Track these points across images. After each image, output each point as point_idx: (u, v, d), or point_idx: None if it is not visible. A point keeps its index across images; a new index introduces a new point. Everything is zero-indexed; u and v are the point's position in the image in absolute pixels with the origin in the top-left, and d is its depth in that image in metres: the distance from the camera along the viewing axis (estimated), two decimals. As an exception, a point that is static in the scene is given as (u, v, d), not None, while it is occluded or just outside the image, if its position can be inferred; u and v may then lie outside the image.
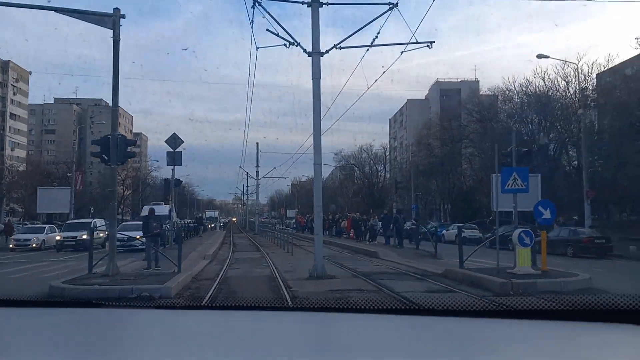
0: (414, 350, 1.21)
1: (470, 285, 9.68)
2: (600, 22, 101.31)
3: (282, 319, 1.65)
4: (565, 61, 34.67)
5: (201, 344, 1.22)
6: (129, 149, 11.03)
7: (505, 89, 44.29)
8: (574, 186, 32.58)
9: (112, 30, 10.39)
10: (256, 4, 11.17)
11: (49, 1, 12.11)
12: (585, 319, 1.36)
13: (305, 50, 11.36)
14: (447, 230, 29.58)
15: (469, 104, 51.37)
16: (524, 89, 41.51)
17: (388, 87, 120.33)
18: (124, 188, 71.92)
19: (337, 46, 11.62)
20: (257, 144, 45.96)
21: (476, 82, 73.44)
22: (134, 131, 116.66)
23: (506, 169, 11.00)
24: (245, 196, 65.97)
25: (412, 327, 1.48)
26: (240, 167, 64.07)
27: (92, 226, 21.63)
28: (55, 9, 10.24)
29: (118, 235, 15.44)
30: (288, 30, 11.21)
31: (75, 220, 26.82)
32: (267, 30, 11.31)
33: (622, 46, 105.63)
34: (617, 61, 37.99)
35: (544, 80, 39.14)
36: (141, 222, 21.42)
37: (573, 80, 36.43)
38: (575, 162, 38.48)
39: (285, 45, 11.33)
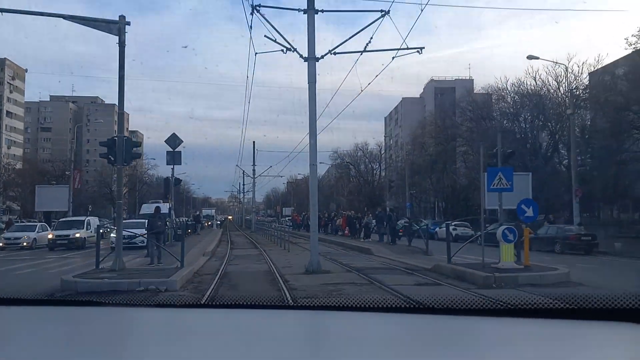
0: (413, 348, 1.23)
1: (457, 279, 10.31)
2: (598, 19, 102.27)
3: (283, 318, 1.67)
4: (556, 62, 35.37)
5: (201, 342, 1.24)
6: (134, 149, 11.54)
7: (498, 88, 45.02)
8: (565, 184, 33.26)
9: (117, 36, 10.91)
10: (255, 11, 11.73)
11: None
12: (586, 317, 1.36)
13: (301, 56, 11.94)
14: (439, 228, 30.16)
15: (463, 103, 52.01)
16: (515, 88, 42.23)
17: (385, 85, 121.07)
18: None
19: (332, 52, 12.20)
20: (254, 142, 46.46)
21: (470, 81, 74.22)
22: (130, 129, 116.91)
23: (492, 169, 11.62)
24: (242, 194, 66.61)
25: (412, 325, 1.49)
26: (237, 165, 64.80)
27: (98, 224, 22.08)
28: (65, 17, 10.75)
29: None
30: (285, 36, 11.78)
31: (68, 218, 26.46)
32: (265, 36, 11.89)
33: (615, 45, 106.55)
34: (607, 61, 38.78)
35: (535, 80, 39.89)
36: (140, 220, 22.06)
37: (564, 81, 37.21)
38: (567, 161, 39.21)
39: (282, 50, 11.90)
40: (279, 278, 10.61)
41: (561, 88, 38.55)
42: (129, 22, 10.93)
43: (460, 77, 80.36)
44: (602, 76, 37.49)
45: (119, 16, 10.89)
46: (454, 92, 69.23)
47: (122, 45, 10.83)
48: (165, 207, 23.52)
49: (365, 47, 12.66)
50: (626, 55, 34.83)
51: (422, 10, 11.30)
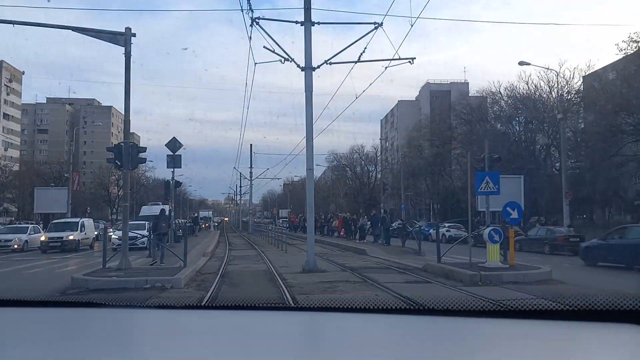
0: (413, 350, 1.23)
1: (446, 277, 10.92)
2: (591, 24, 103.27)
3: (282, 319, 1.67)
4: (547, 68, 36.10)
5: (201, 344, 1.24)
6: (140, 155, 12.10)
7: (492, 92, 45.76)
8: (557, 187, 34.01)
9: (123, 47, 11.47)
10: (254, 23, 12.33)
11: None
12: (585, 319, 1.37)
13: (298, 66, 12.54)
14: (433, 230, 30.81)
15: (458, 106, 52.71)
16: (508, 92, 42.98)
17: (382, 87, 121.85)
18: (118, 188, 72.67)
19: (328, 62, 12.82)
20: (251, 145, 47.04)
21: (465, 84, 75.00)
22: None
23: (479, 174, 12.25)
24: (239, 196, 67.13)
25: (412, 326, 1.49)
26: (234, 168, 65.39)
27: (103, 226, 22.25)
28: (73, 29, 11.31)
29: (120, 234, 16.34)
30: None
31: (62, 220, 25.57)
32: (264, 47, 12.49)
33: (607, 51, 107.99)
34: (598, 66, 39.61)
35: (527, 85, 40.65)
36: (141, 222, 22.59)
37: (555, 85, 38.00)
38: (559, 164, 39.96)
39: (280, 61, 12.50)
40: (277, 277, 11.17)
41: (553, 93, 39.34)
42: (135, 33, 11.49)
43: (455, 81, 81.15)
44: (594, 81, 38.30)
45: (125, 28, 11.45)
46: (449, 96, 69.99)
47: (128, 56, 11.39)
48: (165, 209, 24.11)
49: (360, 57, 13.28)
50: (616, 61, 35.71)
51: (412, 26, 11.90)
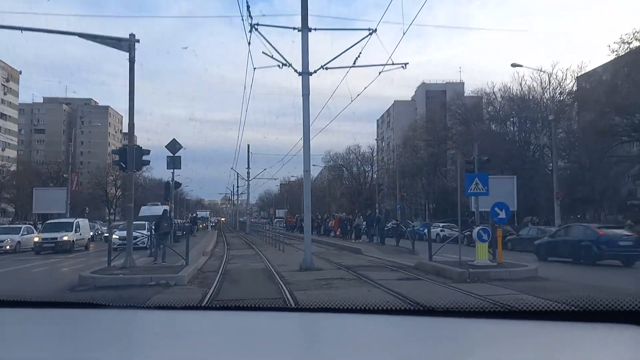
0: (413, 350, 1.23)
1: (436, 274, 11.43)
2: (585, 26, 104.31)
3: (282, 320, 1.68)
4: (540, 70, 36.70)
5: (201, 344, 1.25)
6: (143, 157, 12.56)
7: (486, 93, 46.34)
8: (550, 187, 34.57)
9: (127, 53, 11.93)
10: (254, 29, 12.81)
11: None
12: (585, 319, 1.38)
13: (296, 70, 13.03)
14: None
15: (453, 106, 53.25)
16: (502, 93, 43.56)
17: (379, 87, 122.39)
18: (116, 189, 72.93)
19: (324, 67, 13.32)
20: (248, 146, 47.38)
21: (461, 84, 75.64)
22: (123, 130, 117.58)
23: (469, 175, 12.77)
24: (236, 196, 67.54)
25: (412, 327, 1.49)
26: (232, 168, 65.90)
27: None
28: (79, 35, 11.75)
29: (122, 233, 16.79)
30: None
31: (56, 221, 24.96)
32: (263, 53, 12.97)
33: (599, 52, 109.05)
34: (590, 67, 40.25)
35: (521, 86, 41.24)
36: (141, 222, 23.00)
37: (548, 87, 38.62)
38: (552, 164, 40.52)
39: (279, 66, 12.99)
40: (276, 275, 11.65)
41: (546, 94, 39.95)
42: (138, 39, 11.96)
43: (451, 81, 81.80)
44: (586, 82, 38.93)
45: (129, 34, 11.92)
46: (445, 96, 70.57)
47: (132, 61, 11.85)
48: (162, 209, 24.50)
49: (355, 61, 13.78)
50: (607, 62, 36.32)
51: (404, 33, 12.41)
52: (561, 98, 38.59)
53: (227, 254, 19.52)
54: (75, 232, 23.38)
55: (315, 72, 13.19)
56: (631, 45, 31.09)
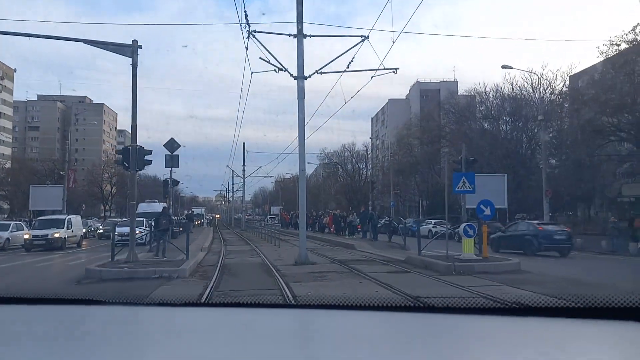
0: (413, 347, 1.23)
1: (424, 268, 12.09)
2: (575, 27, 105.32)
3: (281, 316, 1.68)
4: (530, 71, 37.44)
5: (200, 341, 1.24)
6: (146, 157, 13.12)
7: (478, 93, 47.05)
8: (541, 185, 35.28)
9: (130, 58, 12.47)
10: (251, 36, 13.38)
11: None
12: (586, 316, 1.37)
13: (291, 75, 13.62)
14: (421, 226, 32.10)
15: (447, 105, 53.92)
16: (494, 93, 44.29)
17: (374, 85, 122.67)
18: (111, 186, 73.22)
19: (318, 71, 13.93)
20: (244, 144, 47.97)
21: (455, 83, 76.39)
22: (118, 128, 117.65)
23: (457, 174, 13.43)
24: (231, 193, 68.04)
25: (411, 324, 1.49)
26: (227, 166, 66.41)
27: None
28: (84, 41, 12.27)
29: (122, 230, 17.32)
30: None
31: (48, 217, 24.37)
32: (260, 58, 13.56)
33: (589, 53, 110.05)
34: (579, 68, 41.01)
35: (512, 86, 41.99)
36: (139, 219, 23.53)
37: (538, 88, 39.40)
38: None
39: (275, 70, 13.57)
40: (272, 268, 12.26)
41: (537, 94, 40.71)
42: (141, 45, 12.50)
43: (445, 80, 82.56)
44: (578, 82, 39.69)
45: (132, 40, 12.44)
46: (439, 94, 71.26)
47: (134, 66, 12.39)
48: (159, 206, 25.04)
49: (348, 65, 14.39)
50: (598, 62, 37.07)
51: (393, 42, 13.02)
52: (552, 98, 39.34)
53: (224, 249, 20.10)
54: (67, 229, 22.89)
55: (310, 76, 13.79)
56: (620, 47, 31.85)
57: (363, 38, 13.45)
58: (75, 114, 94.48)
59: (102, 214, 70.79)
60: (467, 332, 1.38)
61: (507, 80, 43.00)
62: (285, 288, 8.94)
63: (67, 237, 22.71)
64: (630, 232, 20.57)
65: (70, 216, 24.65)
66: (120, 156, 12.84)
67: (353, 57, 14.23)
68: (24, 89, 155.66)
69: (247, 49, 13.79)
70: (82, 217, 44.13)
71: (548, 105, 36.87)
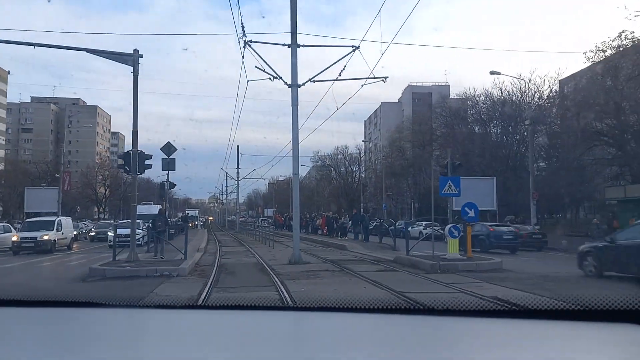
0: (412, 350, 1.23)
1: (412, 267, 12.75)
2: (564, 33, 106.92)
3: (280, 319, 1.69)
4: (518, 77, 38.37)
5: (199, 344, 1.25)
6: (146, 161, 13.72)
7: (467, 97, 47.93)
8: (529, 187, 36.04)
9: (132, 67, 13.06)
10: (247, 45, 14.02)
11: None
12: (586, 318, 1.37)
13: (285, 83, 14.26)
14: (411, 228, 32.87)
15: (438, 108, 54.75)
16: (483, 98, 45.19)
17: (369, 87, 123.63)
18: (105, 188, 73.49)
19: (311, 80, 14.60)
20: (238, 147, 48.44)
21: (447, 87, 77.44)
22: (112, 130, 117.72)
23: (443, 178, 14.14)
24: (225, 195, 68.55)
25: (411, 326, 1.50)
26: (221, 168, 67.02)
27: (114, 225, 21.86)
28: (87, 50, 12.84)
29: (122, 232, 17.80)
30: (272, 68, 14.13)
31: (36, 219, 23.56)
32: (255, 67, 14.20)
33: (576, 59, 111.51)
34: (568, 72, 42.00)
35: (501, 91, 42.90)
36: (136, 221, 24.05)
37: (527, 92, 40.37)
38: (535, 165, 42.10)
39: (270, 79, 14.23)
40: (267, 267, 12.85)
41: (525, 98, 41.63)
42: (142, 54, 13.10)
43: (437, 83, 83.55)
44: (563, 88, 40.66)
45: (133, 50, 13.04)
46: (431, 97, 72.22)
47: (135, 74, 12.97)
48: (155, 209, 25.58)
49: (340, 73, 15.08)
50: (584, 68, 38.02)
51: (382, 54, 13.74)
52: (540, 103, 40.28)
53: (220, 250, 20.64)
54: (57, 231, 22.10)
55: (303, 84, 14.45)
56: (606, 54, 32.76)
57: (354, 48, 14.14)
58: (69, 116, 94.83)
59: (97, 216, 71.03)
60: (465, 335, 1.39)
61: (496, 85, 43.84)
62: (280, 285, 9.53)
63: (57, 239, 21.94)
64: (610, 232, 21.37)
65: (60, 218, 23.70)
66: (122, 161, 13.40)
67: (345, 66, 14.93)
68: (17, 91, 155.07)
69: (243, 57, 14.43)
70: (77, 220, 44.42)
71: (536, 110, 37.75)
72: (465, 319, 1.50)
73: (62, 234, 22.83)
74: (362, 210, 29.06)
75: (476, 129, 46.64)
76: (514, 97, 41.98)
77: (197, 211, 78.97)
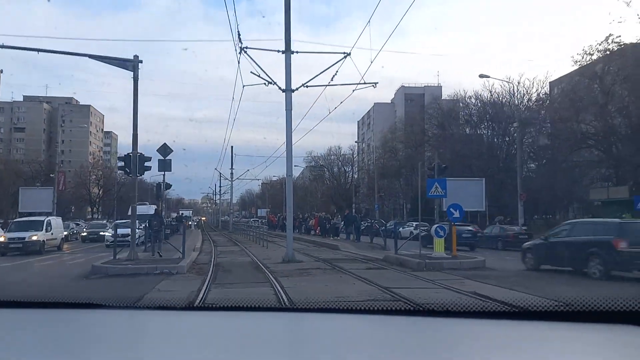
0: (411, 351, 1.24)
1: (399, 265, 13.37)
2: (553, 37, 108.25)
3: (280, 320, 1.70)
4: (508, 81, 39.22)
5: (197, 345, 1.25)
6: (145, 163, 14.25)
7: (458, 99, 48.71)
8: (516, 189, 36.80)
9: (132, 72, 13.58)
10: (243, 51, 14.57)
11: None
12: (585, 320, 1.38)
13: (280, 88, 14.84)
14: (402, 228, 33.53)
15: (430, 110, 55.46)
16: (474, 100, 45.98)
17: (362, 89, 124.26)
18: (99, 188, 73.57)
19: (305, 85, 15.18)
20: (232, 148, 48.93)
21: (439, 88, 78.08)
22: (105, 129, 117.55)
23: (430, 180, 14.78)
24: (218, 196, 68.97)
25: (411, 328, 1.51)
26: (215, 169, 67.61)
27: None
28: (89, 56, 13.34)
29: (123, 231, 18.27)
30: (267, 71, 14.72)
31: (25, 219, 23.10)
32: (251, 72, 14.77)
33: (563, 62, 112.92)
34: (557, 75, 42.87)
35: (491, 94, 43.71)
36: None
37: (516, 94, 41.19)
38: (524, 167, 42.92)
39: (265, 84, 14.79)
40: (262, 265, 13.42)
41: (514, 101, 42.46)
42: (142, 60, 13.61)
43: (429, 84, 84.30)
44: (552, 90, 41.53)
45: (134, 56, 13.56)
46: (423, 99, 72.94)
47: (135, 79, 13.49)
48: (150, 209, 26.03)
49: (332, 78, 15.69)
50: (572, 71, 38.88)
51: (371, 62, 14.35)
52: (528, 105, 41.11)
53: (215, 250, 21.17)
54: (47, 231, 21.48)
55: (297, 89, 15.02)
56: (593, 57, 33.57)
57: (345, 55, 14.74)
58: (62, 115, 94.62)
59: (90, 216, 71.11)
60: (465, 336, 1.39)
61: (486, 87, 44.65)
62: (274, 281, 10.10)
63: (46, 240, 21.30)
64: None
65: (49, 218, 22.81)
66: (123, 162, 13.93)
67: (337, 71, 15.53)
68: (9, 90, 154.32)
69: (239, 62, 14.99)
70: (71, 220, 44.55)
71: (525, 112, 38.57)
72: (464, 321, 1.52)
73: (52, 234, 22.24)
74: (354, 210, 29.63)
75: (467, 130, 47.39)
76: (504, 100, 42.79)
77: (191, 211, 79.23)
